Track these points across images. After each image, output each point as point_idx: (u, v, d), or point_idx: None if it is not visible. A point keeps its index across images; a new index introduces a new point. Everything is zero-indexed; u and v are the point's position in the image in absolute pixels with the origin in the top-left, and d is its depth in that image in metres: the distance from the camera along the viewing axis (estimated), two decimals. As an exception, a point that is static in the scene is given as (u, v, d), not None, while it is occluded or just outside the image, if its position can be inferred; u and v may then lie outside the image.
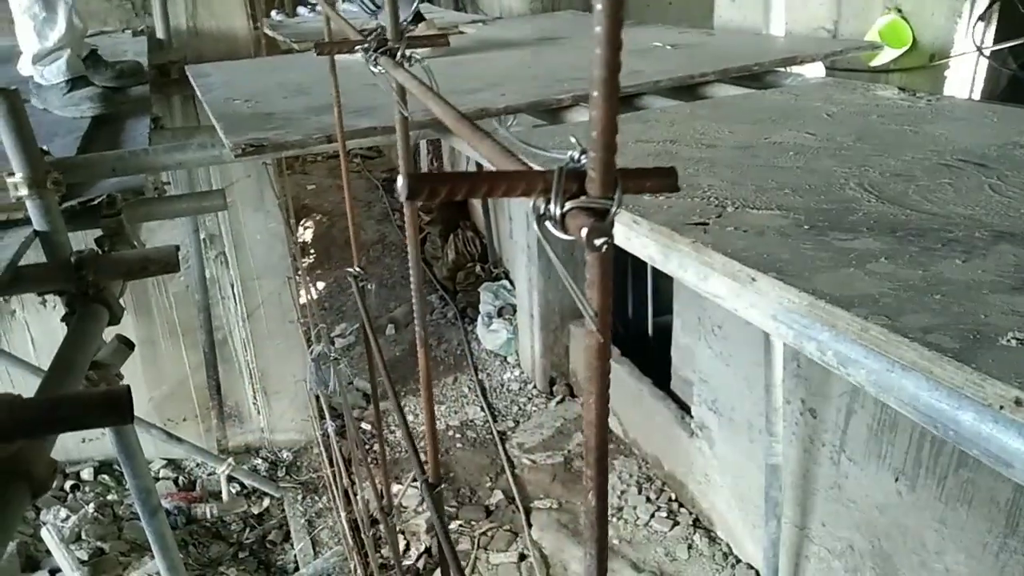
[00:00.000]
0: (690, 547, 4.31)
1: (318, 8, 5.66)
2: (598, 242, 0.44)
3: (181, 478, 5.29)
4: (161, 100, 4.23)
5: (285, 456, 5.59)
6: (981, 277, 1.10)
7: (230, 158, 2.15)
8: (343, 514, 4.52)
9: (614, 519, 4.56)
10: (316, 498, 5.19)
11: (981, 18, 2.57)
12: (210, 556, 4.69)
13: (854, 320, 0.99)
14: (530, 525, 4.58)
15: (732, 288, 1.20)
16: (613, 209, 0.45)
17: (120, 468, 3.98)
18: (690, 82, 2.51)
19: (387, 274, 7.72)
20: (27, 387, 3.93)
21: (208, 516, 4.94)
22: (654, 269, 5.09)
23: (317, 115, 2.33)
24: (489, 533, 4.60)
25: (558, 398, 5.75)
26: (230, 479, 5.10)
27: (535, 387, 5.91)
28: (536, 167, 0.54)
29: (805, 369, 3.34)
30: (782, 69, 2.66)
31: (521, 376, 6.07)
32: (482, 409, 5.71)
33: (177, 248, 2.15)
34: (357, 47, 1.32)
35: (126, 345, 2.19)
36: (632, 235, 1.39)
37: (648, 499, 4.67)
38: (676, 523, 4.47)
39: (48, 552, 4.40)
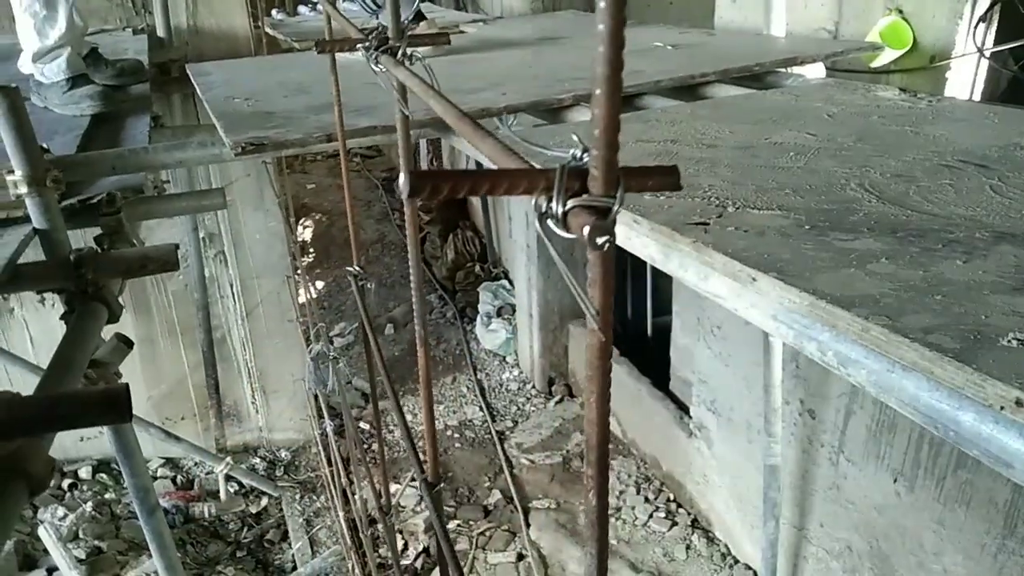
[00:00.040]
0: (688, 547, 4.31)
1: (319, 7, 5.66)
2: (600, 240, 0.43)
3: (179, 477, 5.28)
4: (161, 98, 4.23)
5: (283, 455, 5.59)
6: (982, 278, 1.10)
7: (230, 156, 2.15)
8: (341, 514, 4.52)
9: (612, 519, 4.56)
10: (314, 497, 5.18)
11: (982, 19, 2.57)
12: (208, 555, 4.68)
13: (855, 320, 0.99)
14: (528, 525, 4.58)
15: (733, 288, 1.20)
16: (615, 207, 0.45)
17: (118, 467, 3.98)
18: (691, 82, 2.51)
19: (386, 273, 7.72)
20: (26, 385, 3.91)
21: (206, 515, 4.93)
22: (653, 269, 5.09)
23: (317, 114, 2.33)
24: (487, 533, 4.60)
25: (557, 398, 5.75)
26: (228, 478, 5.10)
27: (534, 387, 5.91)
28: (537, 166, 0.54)
29: (804, 370, 3.34)
30: (783, 70, 2.66)
31: (520, 376, 6.06)
32: (481, 409, 5.71)
33: (176, 247, 2.15)
34: (358, 45, 1.32)
35: (125, 343, 2.19)
36: (632, 235, 1.39)
37: (646, 499, 4.67)
38: (674, 523, 4.47)
39: (45, 551, 4.40)
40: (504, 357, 6.29)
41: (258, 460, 5.53)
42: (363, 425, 5.64)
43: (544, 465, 5.08)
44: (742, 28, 3.35)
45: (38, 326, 4.84)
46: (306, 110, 2.40)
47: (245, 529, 4.94)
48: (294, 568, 4.66)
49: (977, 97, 2.76)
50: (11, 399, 1.28)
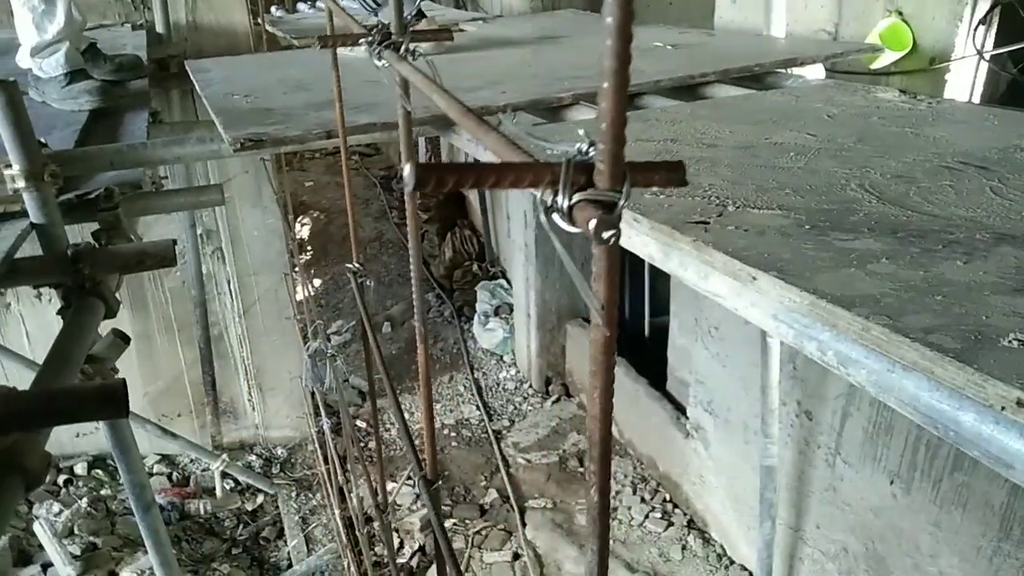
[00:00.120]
0: (684, 548, 4.31)
1: (318, 4, 5.65)
2: (606, 235, 0.43)
3: (175, 474, 5.27)
4: (160, 94, 4.22)
5: (280, 453, 5.58)
6: (982, 279, 1.10)
7: (229, 153, 2.15)
8: (337, 511, 4.51)
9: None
10: (310, 495, 5.18)
11: (982, 22, 2.57)
12: (203, 552, 4.68)
13: (855, 320, 0.99)
14: (524, 524, 4.58)
15: (733, 287, 1.20)
16: (621, 202, 0.45)
17: (114, 463, 3.97)
18: (690, 82, 2.51)
19: (384, 272, 7.71)
20: (22, 381, 3.92)
21: (202, 512, 4.93)
22: (652, 269, 5.08)
23: (316, 111, 2.33)
24: (483, 532, 4.60)
25: (554, 398, 5.75)
26: (224, 475, 5.09)
27: (531, 386, 5.90)
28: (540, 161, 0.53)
29: (801, 371, 3.34)
30: (782, 70, 2.66)
31: (517, 375, 6.06)
32: (477, 408, 5.71)
33: (174, 242, 2.14)
34: (361, 40, 1.32)
35: (122, 339, 2.18)
36: (632, 233, 1.39)
37: (643, 500, 4.67)
38: (670, 524, 4.47)
39: (40, 546, 4.39)
40: (501, 356, 6.28)
41: (254, 457, 5.52)
42: (359, 423, 5.63)
43: (540, 465, 5.08)
44: (742, 29, 3.35)
45: (34, 321, 4.83)
46: (305, 107, 2.40)
47: (241, 526, 4.94)
48: (289, 566, 4.65)
49: (976, 99, 2.76)
50: (7, 393, 1.28)
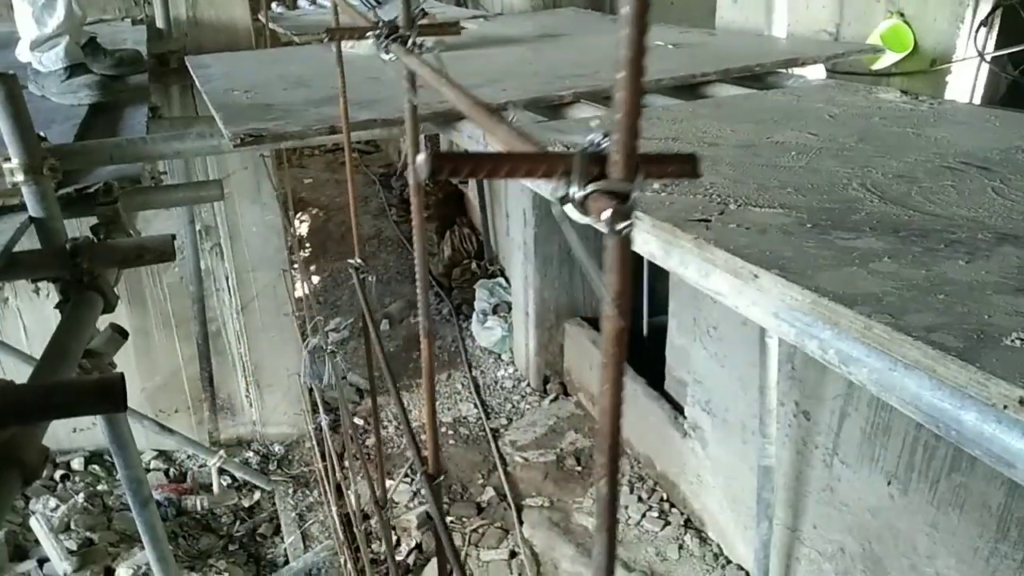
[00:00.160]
0: (681, 547, 4.31)
1: (319, 1, 5.65)
2: (620, 226, 0.43)
3: (172, 470, 5.27)
4: (159, 89, 4.21)
5: (277, 449, 5.58)
6: (984, 278, 1.10)
7: (228, 148, 2.14)
8: (334, 508, 4.51)
9: (606, 518, 4.55)
10: (307, 492, 5.17)
11: (983, 24, 2.57)
12: (200, 548, 4.67)
13: (857, 318, 0.99)
14: (521, 523, 4.58)
15: (734, 285, 1.20)
16: (635, 193, 0.44)
17: (111, 458, 3.96)
18: (692, 81, 2.50)
19: (383, 269, 7.71)
20: (19, 376, 3.91)
21: (198, 508, 4.92)
22: (650, 269, 5.08)
23: (316, 107, 2.32)
24: (480, 530, 4.60)
25: (552, 396, 5.75)
26: (221, 471, 5.09)
27: (529, 385, 5.90)
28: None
29: (800, 371, 3.34)
30: (784, 70, 2.66)
31: (515, 374, 6.06)
32: (475, 406, 5.71)
33: (173, 237, 2.14)
34: (368, 34, 1.32)
35: (120, 334, 2.18)
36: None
37: (640, 499, 4.67)
38: (667, 523, 4.47)
39: (37, 542, 4.38)
40: (499, 355, 6.28)
41: (251, 454, 5.51)
42: (357, 421, 5.63)
43: (538, 463, 5.08)
44: (743, 28, 3.35)
45: (32, 316, 4.83)
46: (305, 103, 2.40)
47: (237, 523, 4.93)
48: (286, 562, 4.65)
49: (977, 101, 2.76)
50: (5, 387, 1.27)
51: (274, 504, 5.07)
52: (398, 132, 2.38)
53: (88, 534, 4.51)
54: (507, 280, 6.62)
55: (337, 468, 4.40)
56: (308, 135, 2.12)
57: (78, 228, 2.16)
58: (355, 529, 3.83)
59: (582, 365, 5.60)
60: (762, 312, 1.16)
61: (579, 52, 3.16)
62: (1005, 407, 0.82)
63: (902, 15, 2.72)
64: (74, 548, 4.37)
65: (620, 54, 0.42)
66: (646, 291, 5.26)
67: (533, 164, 0.47)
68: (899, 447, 2.92)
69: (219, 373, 5.40)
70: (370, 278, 2.03)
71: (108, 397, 1.22)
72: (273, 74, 2.89)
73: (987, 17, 2.58)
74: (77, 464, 5.13)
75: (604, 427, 0.45)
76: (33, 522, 4.37)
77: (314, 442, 5.15)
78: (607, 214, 0.44)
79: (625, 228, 0.44)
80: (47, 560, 4.32)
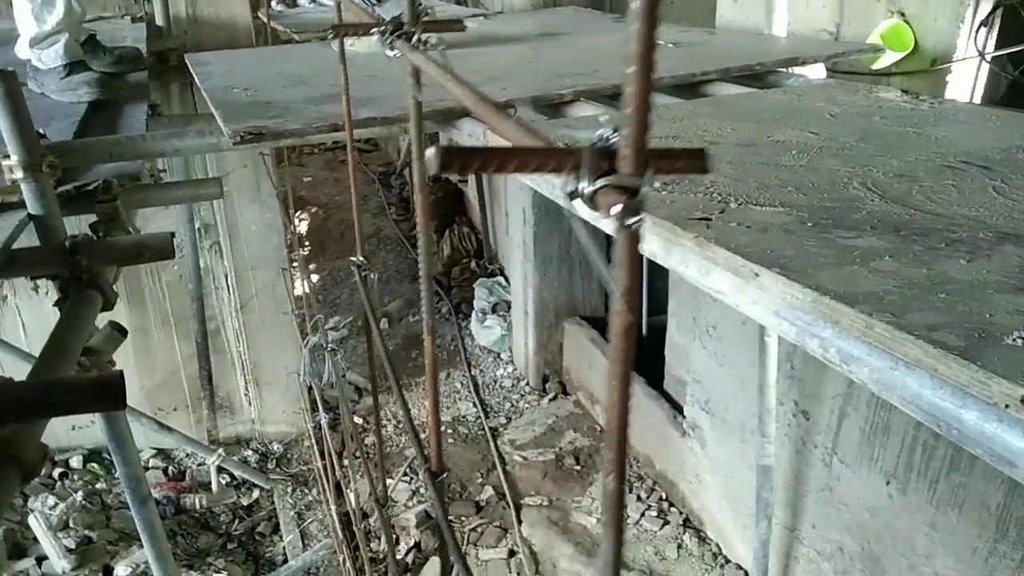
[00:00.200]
0: (680, 547, 4.31)
1: (319, -1, 5.64)
2: (630, 221, 0.43)
3: (171, 468, 5.27)
4: (159, 87, 4.21)
5: (275, 448, 5.57)
6: (986, 277, 1.09)
7: (228, 146, 2.14)
8: (333, 507, 4.51)
9: (605, 517, 4.55)
10: (306, 491, 5.17)
11: (984, 23, 2.57)
12: (198, 546, 4.67)
13: (859, 317, 0.98)
14: (520, 522, 4.58)
15: (735, 284, 1.20)
16: (645, 188, 0.44)
17: (109, 456, 3.95)
18: (692, 80, 2.50)
19: (382, 268, 7.70)
20: (18, 374, 3.91)
21: (197, 506, 4.92)
22: (650, 267, 5.09)
23: (316, 105, 2.32)
24: (479, 529, 4.60)
25: (551, 395, 5.75)
26: (220, 470, 5.08)
27: (528, 384, 5.90)
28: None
29: (799, 371, 3.34)
30: (784, 69, 2.65)
31: (514, 373, 6.06)
32: (474, 405, 5.71)
33: (172, 235, 2.14)
34: (373, 30, 1.32)
35: (119, 331, 2.17)
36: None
37: (639, 498, 4.67)
38: (666, 522, 4.47)
39: (35, 539, 4.38)
40: (498, 354, 6.28)
41: (250, 452, 5.51)
42: (356, 419, 5.62)
43: (537, 462, 5.07)
44: (743, 28, 3.35)
45: (31, 313, 4.82)
46: (305, 101, 2.39)
47: (236, 521, 4.93)
48: (285, 561, 4.65)
49: (977, 101, 2.76)
50: (4, 384, 1.27)
51: (273, 503, 5.07)
52: (397, 130, 2.38)
53: (87, 532, 4.51)
54: (506, 279, 6.62)
55: (337, 466, 4.40)
56: (308, 133, 2.12)
57: (77, 226, 2.15)
58: (355, 527, 3.83)
59: (581, 364, 5.60)
60: (763, 311, 1.16)
61: (579, 51, 3.16)
62: (1007, 406, 0.82)
63: (902, 15, 2.72)
64: (73, 546, 4.37)
65: (630, 49, 0.42)
66: (645, 290, 5.26)
67: (542, 159, 0.47)
68: (898, 447, 2.92)
69: (218, 371, 5.40)
70: (372, 276, 2.02)
71: (107, 395, 1.22)
72: (273, 72, 2.89)
73: (987, 17, 2.58)
74: (76, 462, 5.12)
75: (612, 422, 0.45)
76: (32, 520, 4.37)
77: (313, 441, 5.15)
78: (617, 209, 0.44)
79: (635, 223, 0.44)
80: (46, 558, 4.32)
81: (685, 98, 2.39)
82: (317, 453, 4.95)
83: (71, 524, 4.53)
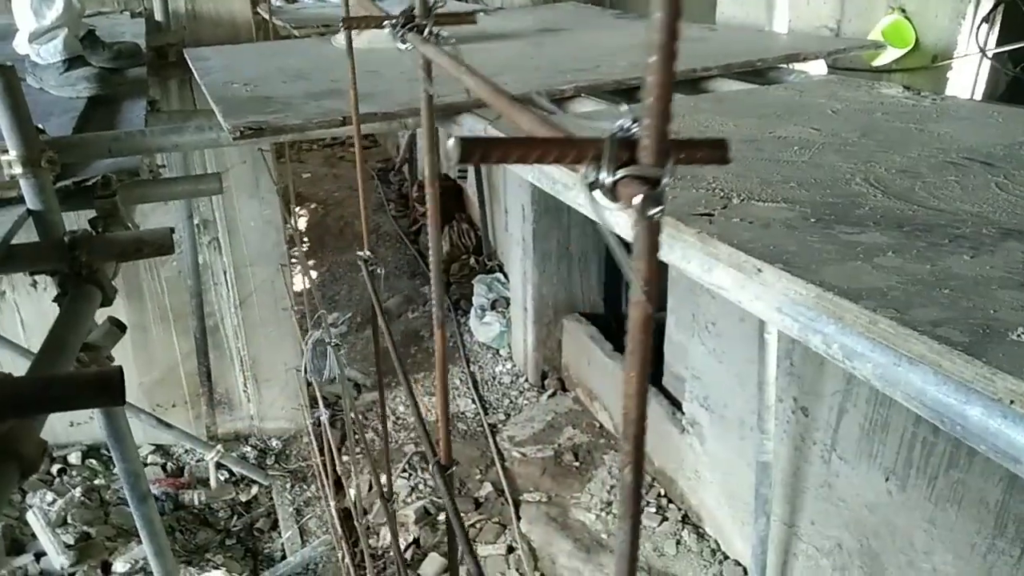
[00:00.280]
0: (678, 543, 4.32)
1: (318, -6, 5.63)
2: (651, 212, 0.43)
3: (169, 464, 5.26)
4: (158, 83, 4.19)
5: (274, 444, 5.57)
6: (990, 273, 1.09)
7: (228, 141, 2.13)
8: (332, 503, 4.50)
9: (603, 513, 4.56)
10: (304, 487, 5.17)
11: (985, 20, 2.57)
12: (197, 543, 4.67)
13: (862, 313, 0.98)
14: (519, 518, 4.58)
15: (737, 279, 1.19)
16: (666, 178, 0.44)
17: (108, 453, 3.95)
18: (693, 76, 2.50)
19: (381, 264, 7.69)
20: (17, 370, 3.90)
21: (196, 502, 4.92)
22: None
23: (316, 100, 2.32)
24: (478, 525, 4.60)
25: (550, 392, 5.75)
26: (219, 466, 5.08)
27: (527, 380, 5.90)
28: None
29: (798, 367, 3.34)
30: (785, 66, 2.65)
31: (513, 369, 6.06)
32: (473, 401, 5.71)
33: (172, 230, 2.13)
34: (385, 22, 1.31)
35: (118, 327, 2.17)
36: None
37: (638, 495, 4.67)
38: (665, 519, 4.47)
39: (34, 536, 4.38)
40: (497, 350, 6.28)
41: (249, 448, 5.51)
42: (354, 416, 5.62)
43: (535, 459, 5.08)
44: (744, 24, 3.34)
45: (30, 309, 4.81)
46: (305, 96, 2.39)
47: (235, 517, 4.93)
48: (283, 557, 4.65)
49: (978, 97, 2.76)
50: (3, 379, 1.27)
51: (271, 499, 5.07)
52: (396, 126, 2.38)
53: (85, 528, 4.51)
54: (505, 275, 6.62)
55: (337, 462, 4.40)
56: (308, 128, 2.12)
57: (76, 221, 2.15)
58: (355, 522, 3.83)
59: (580, 361, 5.60)
60: (765, 307, 1.15)
61: (580, 47, 3.15)
62: (1011, 402, 0.82)
63: (903, 11, 2.72)
64: (71, 542, 4.36)
65: (652, 38, 0.41)
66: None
67: (563, 149, 0.47)
68: (897, 443, 2.92)
69: (217, 368, 5.40)
70: (380, 270, 2.02)
71: (106, 390, 1.22)
72: (272, 67, 2.88)
73: (988, 14, 2.57)
74: (74, 458, 5.12)
75: (629, 414, 0.45)
76: (30, 516, 4.36)
77: (312, 436, 5.15)
78: (638, 199, 0.43)
79: (656, 214, 0.43)
80: (44, 554, 4.32)
81: (686, 94, 2.39)
82: (316, 449, 4.95)
83: (70, 520, 4.53)
